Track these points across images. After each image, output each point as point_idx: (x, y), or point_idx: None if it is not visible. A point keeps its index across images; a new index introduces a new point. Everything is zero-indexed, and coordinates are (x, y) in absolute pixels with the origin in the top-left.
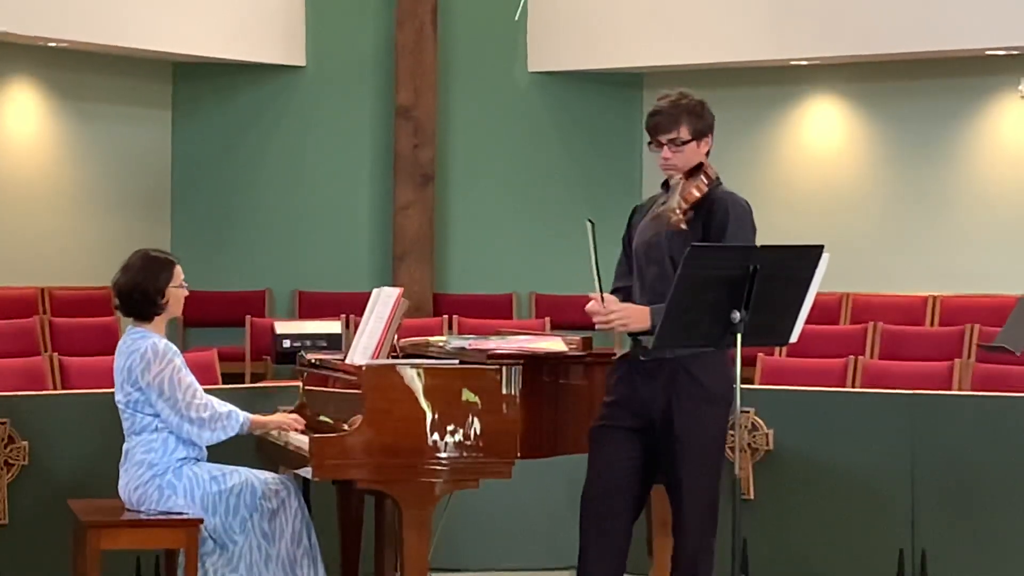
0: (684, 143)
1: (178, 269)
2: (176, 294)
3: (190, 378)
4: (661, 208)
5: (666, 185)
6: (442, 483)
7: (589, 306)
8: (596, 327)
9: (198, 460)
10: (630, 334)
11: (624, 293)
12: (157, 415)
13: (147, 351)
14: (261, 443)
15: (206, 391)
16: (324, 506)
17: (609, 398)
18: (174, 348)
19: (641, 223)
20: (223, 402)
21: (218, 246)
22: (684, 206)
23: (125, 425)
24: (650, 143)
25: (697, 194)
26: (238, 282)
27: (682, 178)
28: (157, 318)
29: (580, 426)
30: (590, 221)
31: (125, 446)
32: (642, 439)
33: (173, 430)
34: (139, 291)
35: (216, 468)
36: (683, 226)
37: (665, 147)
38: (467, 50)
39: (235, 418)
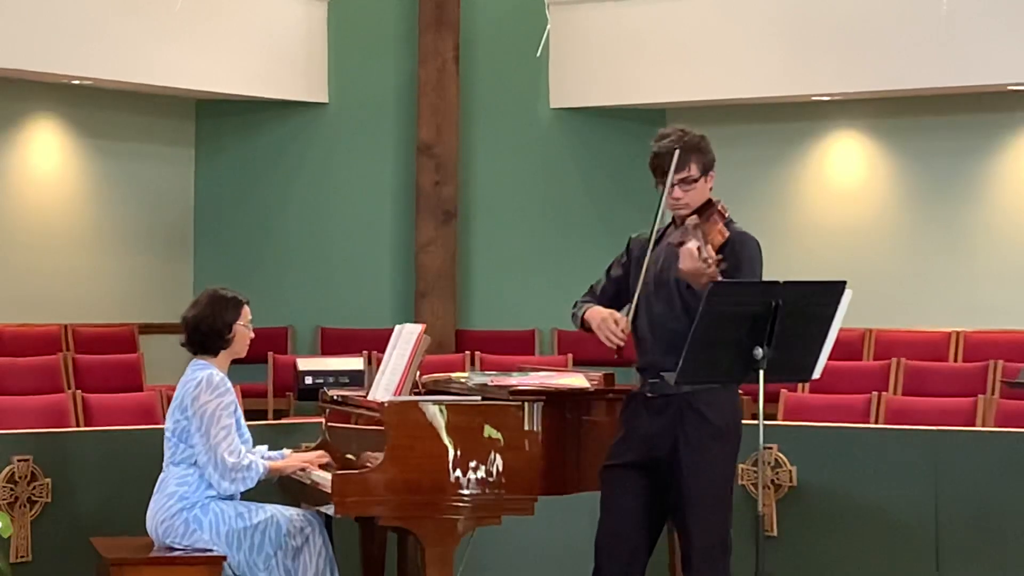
0: (694, 181)
1: (246, 309)
2: (242, 332)
3: (230, 421)
4: (678, 245)
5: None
6: (464, 520)
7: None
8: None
9: (228, 499)
10: (637, 369)
11: None
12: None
13: (203, 380)
14: (284, 479)
15: None
16: (347, 542)
17: (619, 434)
18: (229, 385)
19: (649, 256)
20: (247, 454)
21: (241, 283)
22: (714, 255)
23: (166, 455)
24: (657, 183)
25: (721, 238)
26: (260, 318)
27: (696, 217)
28: (223, 352)
29: (602, 463)
30: None
31: (161, 476)
32: (650, 476)
33: (200, 466)
34: (207, 324)
35: (243, 505)
36: (719, 277)
37: (676, 186)
38: (489, 87)
39: (255, 470)
